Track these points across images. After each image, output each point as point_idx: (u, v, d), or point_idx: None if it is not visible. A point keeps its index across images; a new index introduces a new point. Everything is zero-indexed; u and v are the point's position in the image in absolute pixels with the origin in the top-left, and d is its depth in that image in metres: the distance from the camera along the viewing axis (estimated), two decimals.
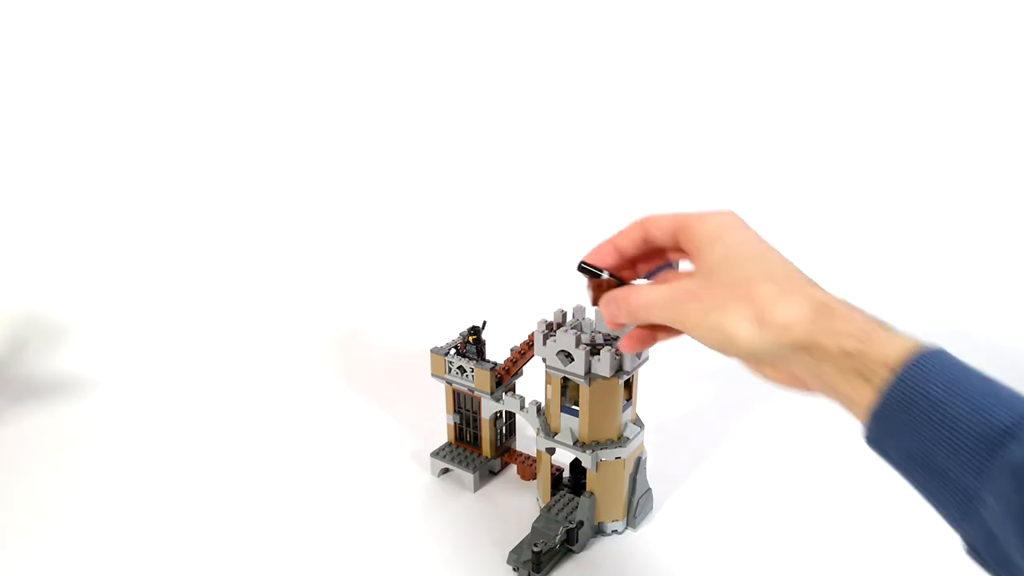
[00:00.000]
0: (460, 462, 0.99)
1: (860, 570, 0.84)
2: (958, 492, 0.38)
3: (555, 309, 0.88)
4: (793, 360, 0.44)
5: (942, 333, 1.31)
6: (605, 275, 0.54)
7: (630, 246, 0.54)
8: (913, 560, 0.84)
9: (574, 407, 0.86)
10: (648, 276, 0.56)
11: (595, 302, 0.55)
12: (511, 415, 1.02)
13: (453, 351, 0.97)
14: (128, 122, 1.51)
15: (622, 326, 0.54)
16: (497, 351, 1.00)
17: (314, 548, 0.88)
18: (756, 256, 0.46)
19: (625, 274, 0.55)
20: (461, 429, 1.02)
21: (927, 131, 1.58)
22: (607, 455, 0.85)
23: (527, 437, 1.05)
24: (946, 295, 1.43)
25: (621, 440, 0.86)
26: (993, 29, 1.51)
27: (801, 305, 0.43)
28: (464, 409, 1.00)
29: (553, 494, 0.92)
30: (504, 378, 0.95)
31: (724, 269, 0.46)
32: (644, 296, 0.49)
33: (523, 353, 0.94)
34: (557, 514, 0.87)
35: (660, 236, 0.52)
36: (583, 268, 0.55)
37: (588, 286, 0.55)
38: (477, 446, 1.01)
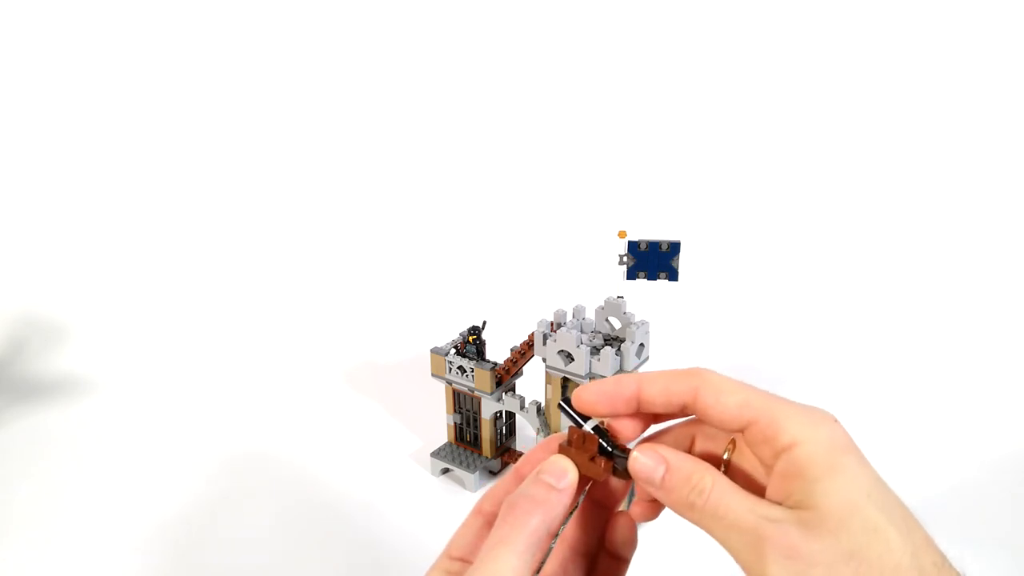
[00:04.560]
0: (460, 462, 0.98)
1: None
2: None
3: (555, 309, 0.88)
4: None
5: (941, 333, 1.32)
6: (589, 427, 0.37)
7: (659, 401, 0.38)
8: None
9: None
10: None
11: (568, 448, 0.37)
12: (511, 415, 1.02)
13: (453, 351, 0.97)
14: (128, 123, 1.51)
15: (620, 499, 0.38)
16: (497, 351, 1.00)
17: (314, 548, 0.88)
18: (895, 516, 0.32)
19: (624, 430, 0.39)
20: (461, 429, 1.01)
21: (923, 132, 1.58)
22: None
23: (527, 437, 1.05)
24: (946, 295, 1.43)
25: None
26: (993, 29, 1.51)
27: None
28: (464, 409, 1.00)
29: None
30: (504, 378, 0.94)
31: (853, 530, 0.31)
32: (728, 501, 0.34)
33: (523, 353, 0.93)
34: None
35: (688, 408, 0.37)
36: (565, 408, 0.38)
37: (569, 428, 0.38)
38: (477, 446, 1.00)
